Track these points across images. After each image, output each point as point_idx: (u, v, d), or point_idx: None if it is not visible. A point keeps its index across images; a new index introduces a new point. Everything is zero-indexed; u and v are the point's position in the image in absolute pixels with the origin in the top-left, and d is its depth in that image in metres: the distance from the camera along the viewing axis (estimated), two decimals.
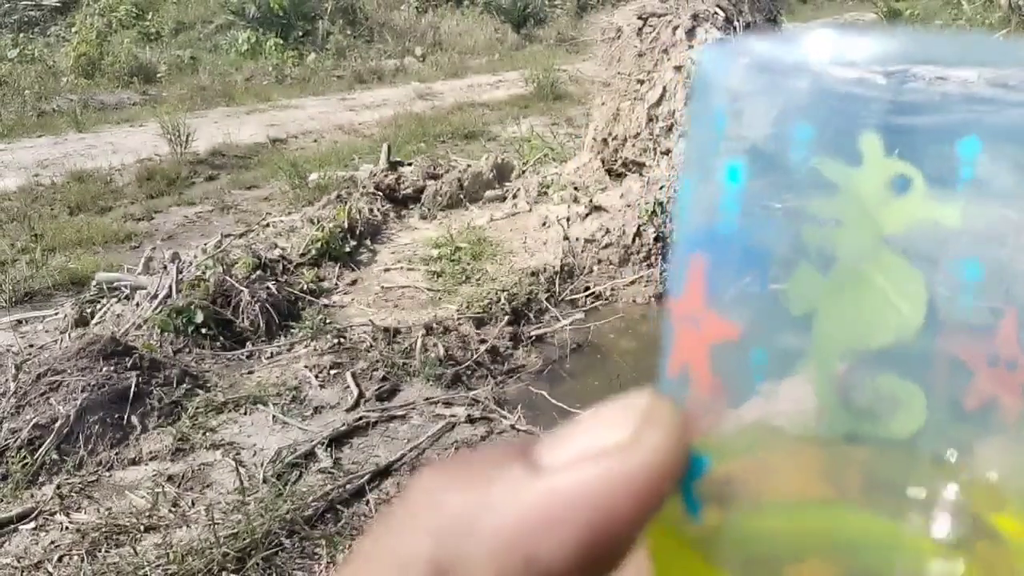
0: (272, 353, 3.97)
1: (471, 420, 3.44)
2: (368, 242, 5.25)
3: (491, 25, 14.94)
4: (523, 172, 6.23)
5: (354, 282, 4.82)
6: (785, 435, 0.24)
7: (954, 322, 0.22)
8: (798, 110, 0.22)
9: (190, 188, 6.90)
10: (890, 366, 0.22)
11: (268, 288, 4.26)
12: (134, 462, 3.18)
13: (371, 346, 3.92)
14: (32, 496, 2.98)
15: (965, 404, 0.22)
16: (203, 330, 3.96)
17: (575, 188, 5.48)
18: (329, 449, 3.23)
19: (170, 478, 3.07)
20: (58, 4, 14.05)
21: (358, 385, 3.66)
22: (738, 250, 0.23)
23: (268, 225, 5.58)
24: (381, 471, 3.11)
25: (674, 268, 0.25)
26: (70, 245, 5.51)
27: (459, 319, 4.20)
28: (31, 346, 3.98)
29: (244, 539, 2.66)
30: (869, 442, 0.23)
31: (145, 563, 2.57)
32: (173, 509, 2.88)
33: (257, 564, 2.61)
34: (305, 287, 4.52)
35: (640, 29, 5.54)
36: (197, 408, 3.46)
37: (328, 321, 4.23)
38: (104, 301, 4.43)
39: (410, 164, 6.50)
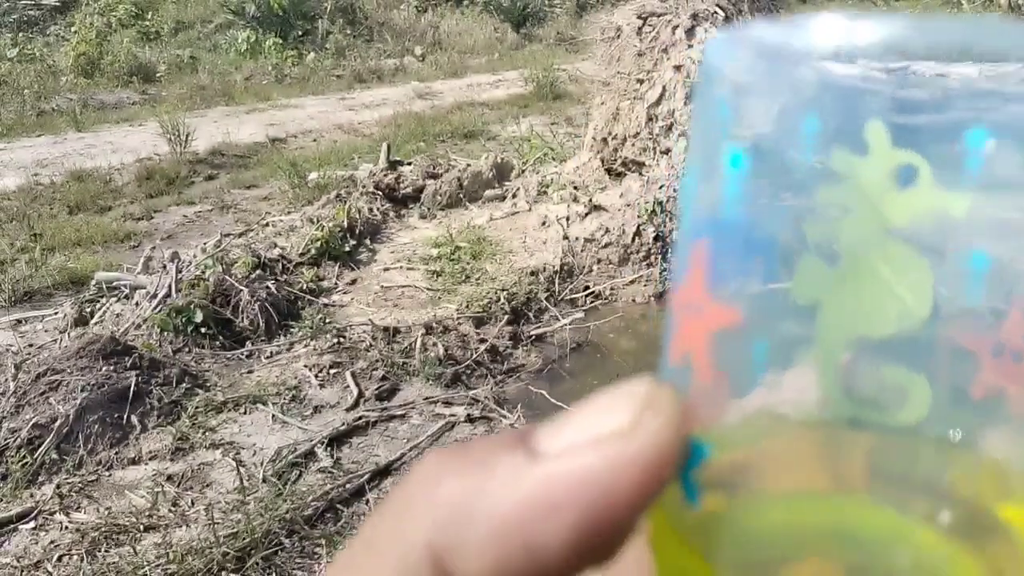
0: (272, 352, 3.97)
1: (471, 419, 3.44)
2: (368, 241, 5.24)
3: (491, 24, 14.93)
4: (523, 171, 6.22)
5: (354, 281, 4.82)
6: (788, 425, 0.23)
7: (960, 312, 0.22)
8: (803, 99, 0.22)
9: (190, 187, 6.90)
10: (895, 356, 0.22)
11: (268, 287, 4.26)
12: (134, 462, 3.17)
13: (371, 345, 3.92)
14: (32, 496, 2.97)
15: (971, 394, 0.22)
16: (203, 330, 3.96)
17: (575, 187, 5.48)
18: (329, 449, 3.23)
19: (170, 478, 3.07)
20: (58, 3, 14.04)
21: (358, 385, 3.66)
22: (741, 237, 0.23)
23: (268, 224, 5.57)
24: (381, 471, 3.11)
25: (677, 257, 0.25)
26: (69, 245, 5.50)
27: (459, 319, 4.20)
28: (30, 346, 3.98)
29: (244, 539, 2.65)
30: (873, 432, 0.23)
31: (145, 563, 2.57)
32: (173, 509, 2.88)
33: (257, 564, 2.61)
34: (305, 286, 4.52)
35: (640, 28, 5.53)
36: (197, 408, 3.46)
37: (328, 321, 4.22)
38: (103, 301, 4.43)
39: (410, 163, 6.50)
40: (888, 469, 0.23)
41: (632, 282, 4.76)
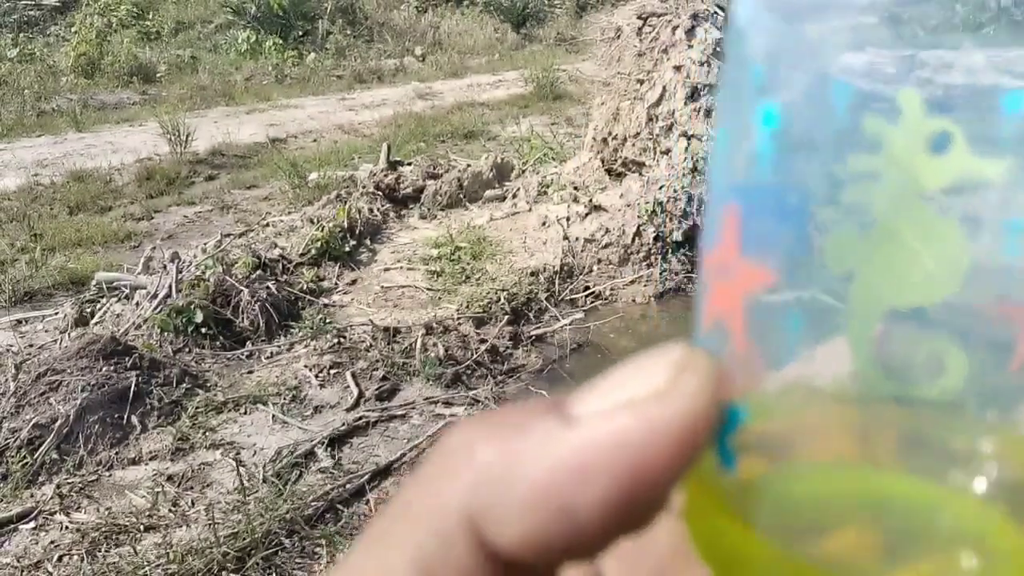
0: (272, 353, 3.97)
1: None
2: (368, 242, 5.24)
3: (491, 25, 14.94)
4: (523, 172, 6.22)
5: (354, 282, 4.81)
6: (823, 396, 0.23)
7: (997, 282, 0.21)
8: (835, 62, 0.21)
9: (190, 188, 6.89)
10: (930, 326, 0.22)
11: (268, 288, 4.26)
12: (134, 462, 3.17)
13: (371, 346, 3.92)
14: (32, 496, 2.97)
15: (1009, 365, 0.21)
16: (203, 330, 3.96)
17: (575, 188, 5.48)
18: (329, 449, 3.23)
19: (170, 478, 3.06)
20: (58, 4, 14.04)
21: (358, 385, 3.65)
22: (773, 197, 0.22)
23: (268, 225, 5.57)
24: (381, 471, 3.11)
25: (707, 222, 0.24)
26: (70, 245, 5.50)
27: (459, 319, 4.20)
28: (31, 346, 3.97)
29: (244, 539, 2.65)
30: (908, 403, 0.22)
31: (145, 563, 2.56)
32: (173, 509, 2.88)
33: (257, 564, 2.60)
34: (305, 287, 4.52)
35: (640, 29, 5.53)
36: (197, 408, 3.46)
37: (328, 321, 4.22)
38: (104, 301, 4.42)
39: (410, 164, 6.50)
40: (925, 441, 0.22)
41: (632, 282, 4.76)
